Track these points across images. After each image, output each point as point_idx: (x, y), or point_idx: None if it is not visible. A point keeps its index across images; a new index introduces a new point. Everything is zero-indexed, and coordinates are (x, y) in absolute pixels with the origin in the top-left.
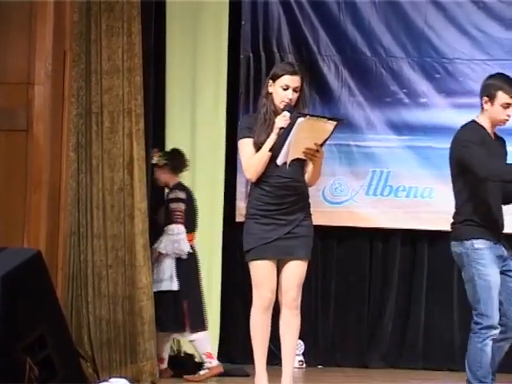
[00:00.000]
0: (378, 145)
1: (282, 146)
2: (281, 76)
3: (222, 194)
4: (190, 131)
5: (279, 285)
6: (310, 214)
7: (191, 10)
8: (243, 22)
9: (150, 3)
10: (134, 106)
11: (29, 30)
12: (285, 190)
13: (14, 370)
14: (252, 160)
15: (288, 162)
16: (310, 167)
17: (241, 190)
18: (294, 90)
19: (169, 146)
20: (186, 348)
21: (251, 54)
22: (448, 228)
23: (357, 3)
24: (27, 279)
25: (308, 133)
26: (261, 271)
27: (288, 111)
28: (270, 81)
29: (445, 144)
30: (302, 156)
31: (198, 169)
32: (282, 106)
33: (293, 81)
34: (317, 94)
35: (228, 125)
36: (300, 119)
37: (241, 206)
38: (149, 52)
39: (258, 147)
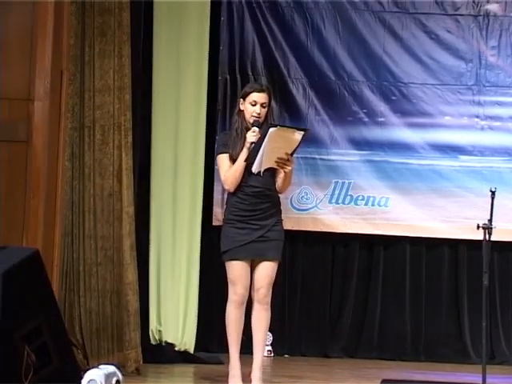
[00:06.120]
0: (340, 158)
1: (256, 155)
2: (249, 93)
3: (201, 200)
4: (174, 144)
5: (252, 283)
6: (281, 220)
7: (175, 36)
8: (221, 48)
9: (139, 29)
10: (123, 121)
11: (29, 51)
12: (258, 198)
13: (13, 356)
14: (229, 172)
15: (262, 171)
16: (281, 176)
17: (217, 197)
18: (262, 106)
19: (154, 157)
20: (167, 338)
21: (228, 76)
22: (401, 233)
23: (323, 33)
24: (26, 275)
25: (279, 142)
26: (236, 270)
27: (257, 126)
28: (241, 99)
29: (399, 159)
30: (274, 165)
31: (179, 178)
32: (251, 121)
33: (260, 97)
34: (286, 113)
35: (207, 138)
36: (271, 129)
37: (217, 211)
38: (137, 73)
39: (233, 160)
